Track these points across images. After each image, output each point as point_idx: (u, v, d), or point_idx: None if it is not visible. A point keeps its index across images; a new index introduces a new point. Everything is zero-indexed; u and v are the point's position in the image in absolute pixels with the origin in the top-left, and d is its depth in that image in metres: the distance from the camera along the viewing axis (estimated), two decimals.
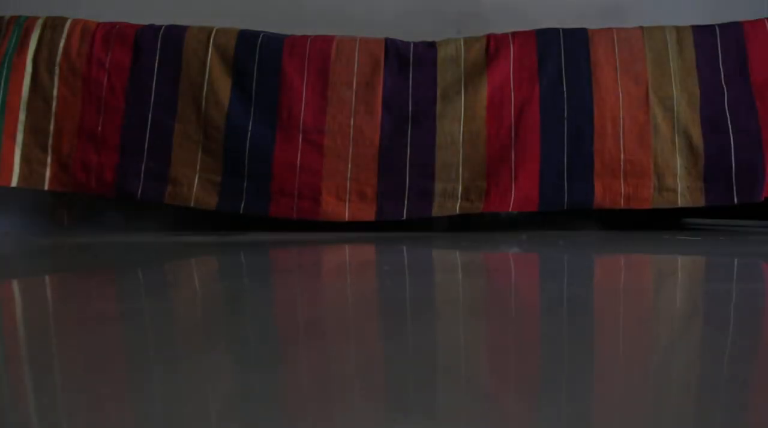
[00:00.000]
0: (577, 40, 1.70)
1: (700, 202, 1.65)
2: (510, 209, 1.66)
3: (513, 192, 1.64)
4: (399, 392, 0.40)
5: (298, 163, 1.66)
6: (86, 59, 1.68)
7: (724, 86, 1.67)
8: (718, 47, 1.69)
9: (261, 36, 1.72)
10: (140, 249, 1.30)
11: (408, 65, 1.70)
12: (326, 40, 1.72)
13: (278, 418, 0.35)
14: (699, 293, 0.81)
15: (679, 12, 2.29)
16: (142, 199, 1.66)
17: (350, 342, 0.53)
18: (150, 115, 1.67)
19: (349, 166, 1.66)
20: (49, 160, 1.66)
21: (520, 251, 1.31)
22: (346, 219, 1.66)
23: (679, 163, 1.65)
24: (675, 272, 1.05)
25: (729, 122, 1.65)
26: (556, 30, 1.73)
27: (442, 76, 1.69)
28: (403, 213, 1.65)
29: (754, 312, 0.66)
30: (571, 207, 1.66)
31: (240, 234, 1.61)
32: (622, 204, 1.65)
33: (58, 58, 1.68)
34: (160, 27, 1.73)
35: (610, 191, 1.65)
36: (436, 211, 1.65)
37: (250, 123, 1.67)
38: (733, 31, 1.70)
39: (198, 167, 1.66)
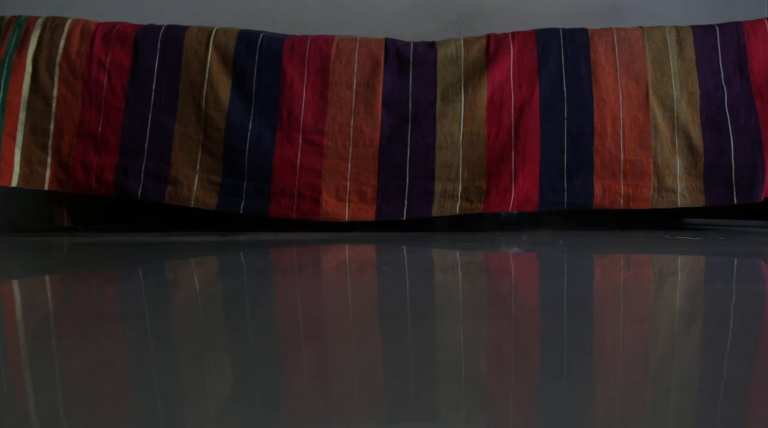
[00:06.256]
0: (577, 40, 1.70)
1: (700, 202, 1.65)
2: (510, 209, 1.66)
3: (513, 192, 1.64)
4: (399, 392, 0.40)
5: (298, 163, 1.66)
6: (86, 59, 1.68)
7: (724, 86, 1.67)
8: (718, 47, 1.69)
9: (261, 36, 1.72)
10: (140, 249, 1.30)
11: (408, 65, 1.70)
12: (326, 40, 1.72)
13: (278, 419, 0.35)
14: (699, 293, 0.81)
15: (678, 12, 2.29)
16: (143, 198, 1.66)
17: (350, 343, 0.53)
18: (150, 115, 1.67)
19: (349, 166, 1.66)
20: (49, 160, 1.66)
21: (520, 251, 1.31)
22: (346, 219, 1.66)
23: (678, 163, 1.65)
24: (675, 272, 1.05)
25: (729, 122, 1.65)
26: (556, 30, 1.73)
27: (442, 76, 1.69)
28: (403, 213, 1.65)
29: (754, 312, 0.67)
30: (570, 207, 1.66)
31: (240, 234, 1.61)
32: (621, 204, 1.65)
33: (58, 58, 1.68)
34: (160, 27, 1.73)
35: (609, 191, 1.65)
36: (436, 211, 1.65)
37: (250, 123, 1.67)
38: (733, 31, 1.70)
39: (198, 167, 1.67)
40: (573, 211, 1.72)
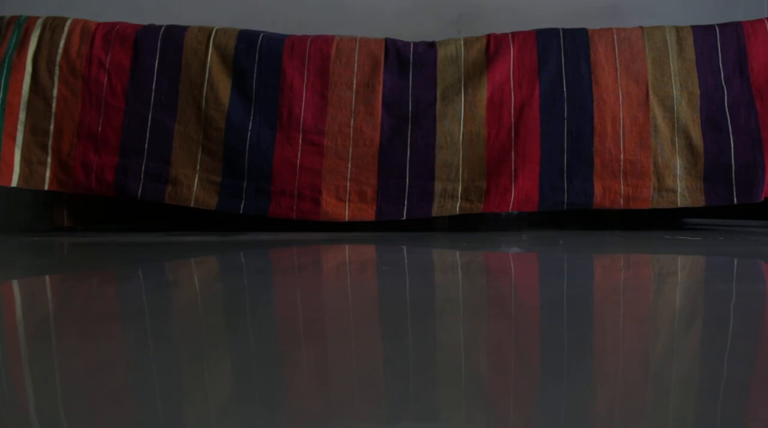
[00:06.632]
0: (577, 40, 1.71)
1: (700, 202, 1.65)
2: (510, 209, 1.66)
3: (513, 192, 1.64)
4: (399, 392, 0.40)
5: (298, 163, 1.66)
6: (86, 59, 1.68)
7: (724, 86, 1.67)
8: (718, 47, 1.69)
9: (261, 36, 1.72)
10: (140, 249, 1.30)
11: (408, 65, 1.70)
12: (326, 40, 1.72)
13: (278, 419, 0.35)
14: (699, 293, 0.81)
15: (679, 12, 2.29)
16: (143, 198, 1.66)
17: (350, 343, 0.53)
18: (150, 115, 1.67)
19: (349, 166, 1.66)
20: (49, 160, 1.66)
21: (520, 251, 1.31)
22: (346, 219, 1.66)
23: (678, 163, 1.65)
24: (675, 272, 1.05)
25: (729, 122, 1.65)
26: (556, 30, 1.73)
27: (442, 76, 1.69)
28: (403, 213, 1.65)
29: (754, 312, 0.67)
30: (570, 207, 1.66)
31: (240, 234, 1.61)
32: (621, 204, 1.65)
33: (58, 58, 1.68)
34: (160, 27, 1.73)
35: (609, 191, 1.65)
36: (436, 211, 1.65)
37: (250, 123, 1.67)
38: (733, 31, 1.70)
39: (198, 167, 1.67)
40: (573, 211, 1.72)
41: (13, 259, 1.23)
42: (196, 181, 1.66)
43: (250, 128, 1.67)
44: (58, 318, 0.65)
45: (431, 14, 2.31)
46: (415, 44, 1.73)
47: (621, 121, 1.66)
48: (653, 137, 1.66)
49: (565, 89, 1.68)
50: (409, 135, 1.67)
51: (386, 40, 1.73)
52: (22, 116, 1.66)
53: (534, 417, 0.36)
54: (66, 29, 1.70)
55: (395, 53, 1.71)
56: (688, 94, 1.67)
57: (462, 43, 1.72)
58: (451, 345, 0.53)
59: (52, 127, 1.66)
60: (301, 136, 1.67)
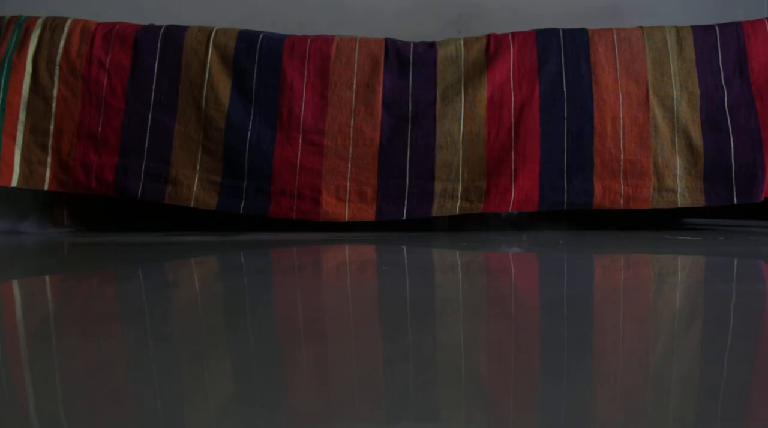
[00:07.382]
0: (577, 40, 1.70)
1: (700, 202, 1.65)
2: (510, 209, 1.66)
3: (513, 192, 1.64)
4: (399, 392, 0.40)
5: (298, 163, 1.66)
6: (86, 59, 1.68)
7: (724, 86, 1.67)
8: (718, 47, 1.69)
9: (261, 36, 1.72)
10: (140, 249, 1.30)
11: (408, 65, 1.70)
12: (326, 40, 1.72)
13: (278, 419, 0.35)
14: (699, 293, 0.81)
15: (679, 12, 2.29)
16: (143, 198, 1.66)
17: (350, 343, 0.53)
18: (150, 115, 1.67)
19: (349, 166, 1.66)
20: (49, 160, 1.66)
21: (520, 251, 1.31)
22: (346, 219, 1.66)
23: (678, 163, 1.65)
24: (675, 272, 1.05)
25: (729, 122, 1.65)
26: (556, 30, 1.73)
27: (442, 76, 1.69)
28: (403, 213, 1.65)
29: (754, 312, 0.66)
30: (570, 207, 1.66)
31: (240, 234, 1.61)
32: (621, 204, 1.65)
33: (58, 58, 1.68)
34: (160, 27, 1.73)
35: (609, 191, 1.65)
36: (436, 211, 1.65)
37: (250, 123, 1.67)
38: (733, 31, 1.70)
39: (198, 167, 1.67)
40: (573, 211, 1.72)
41: (13, 259, 1.23)
42: (196, 181, 1.66)
43: (250, 128, 1.67)
44: (58, 318, 0.65)
45: (431, 14, 2.31)
46: (415, 44, 1.73)
47: (621, 121, 1.66)
48: (653, 137, 1.66)
49: (565, 89, 1.68)
50: (409, 135, 1.67)
51: (386, 40, 1.73)
52: (22, 116, 1.66)
53: (534, 417, 0.36)
54: (66, 29, 1.70)
55: (395, 53, 1.71)
56: (688, 94, 1.67)
57: (462, 43, 1.72)
58: (451, 345, 0.53)
59: (52, 127, 1.66)
60: (301, 136, 1.67)
